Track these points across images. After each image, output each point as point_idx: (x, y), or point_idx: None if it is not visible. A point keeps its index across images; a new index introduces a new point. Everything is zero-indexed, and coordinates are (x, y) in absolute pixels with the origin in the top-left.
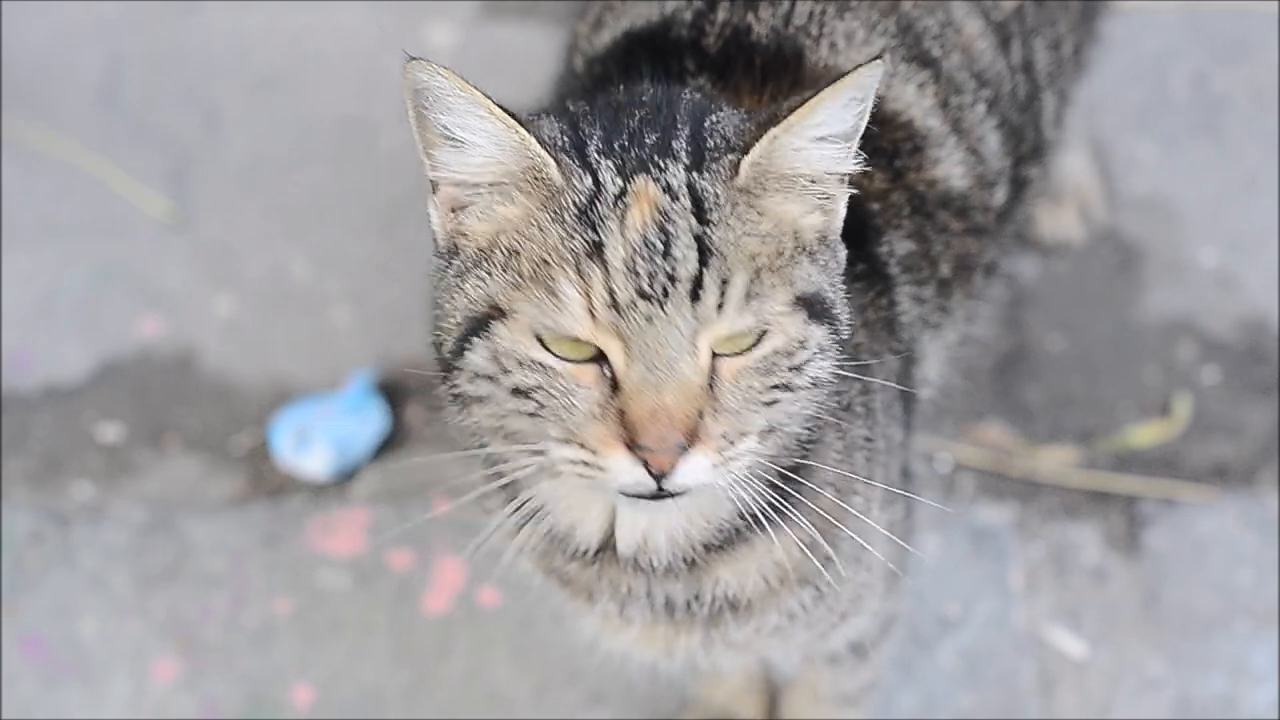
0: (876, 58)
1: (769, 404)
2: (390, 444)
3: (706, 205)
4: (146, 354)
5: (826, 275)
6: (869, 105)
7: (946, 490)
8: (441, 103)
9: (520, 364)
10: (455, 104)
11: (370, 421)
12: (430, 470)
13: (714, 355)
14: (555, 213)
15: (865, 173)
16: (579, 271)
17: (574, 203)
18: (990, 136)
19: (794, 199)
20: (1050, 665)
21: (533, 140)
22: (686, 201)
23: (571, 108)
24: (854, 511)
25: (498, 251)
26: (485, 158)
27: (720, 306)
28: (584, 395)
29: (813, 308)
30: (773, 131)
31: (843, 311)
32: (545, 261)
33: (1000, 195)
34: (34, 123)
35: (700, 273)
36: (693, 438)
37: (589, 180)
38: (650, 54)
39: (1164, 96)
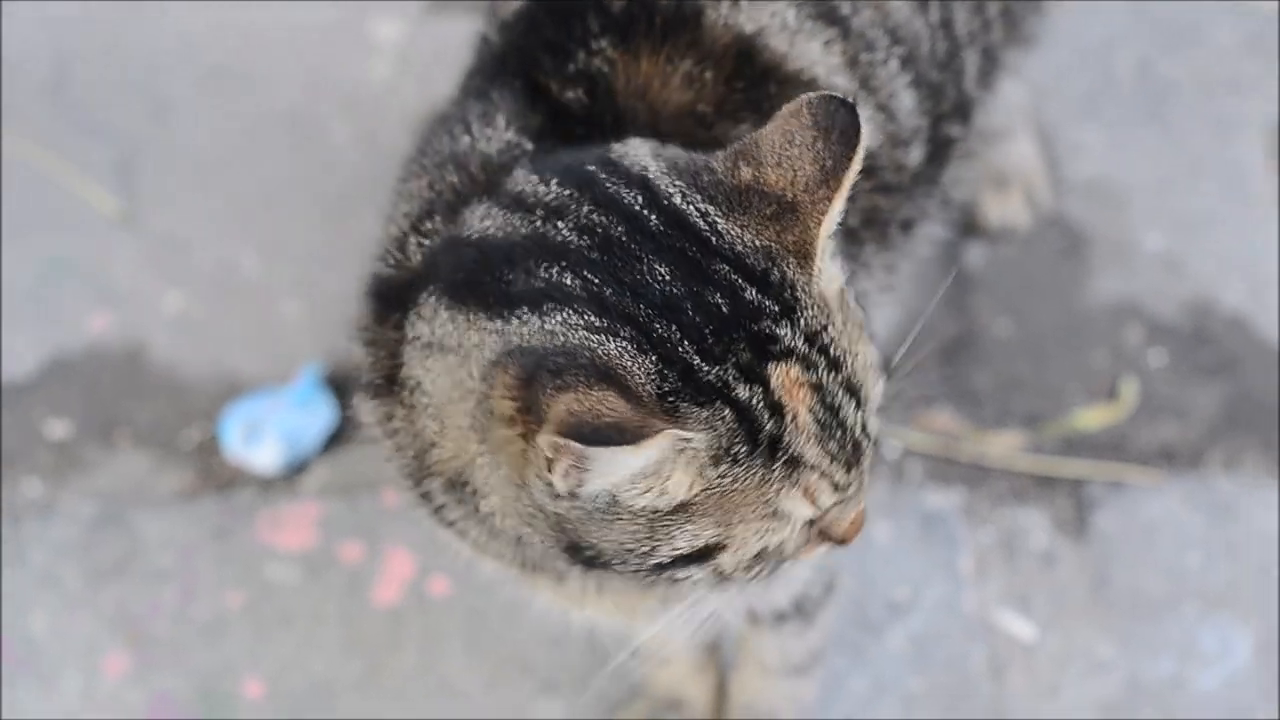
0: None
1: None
2: (339, 437)
3: (825, 338)
4: (96, 350)
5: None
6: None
7: (895, 476)
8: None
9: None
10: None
11: (319, 415)
12: (379, 463)
13: None
14: (726, 457)
15: None
16: (792, 489)
17: (732, 440)
18: (904, 94)
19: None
20: (1000, 649)
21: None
22: (815, 353)
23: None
24: None
25: (694, 505)
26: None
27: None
28: (792, 541)
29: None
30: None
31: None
32: (752, 498)
33: (915, 154)
34: None
35: (865, 418)
36: None
37: (726, 412)
38: (554, 17)
39: (1110, 82)
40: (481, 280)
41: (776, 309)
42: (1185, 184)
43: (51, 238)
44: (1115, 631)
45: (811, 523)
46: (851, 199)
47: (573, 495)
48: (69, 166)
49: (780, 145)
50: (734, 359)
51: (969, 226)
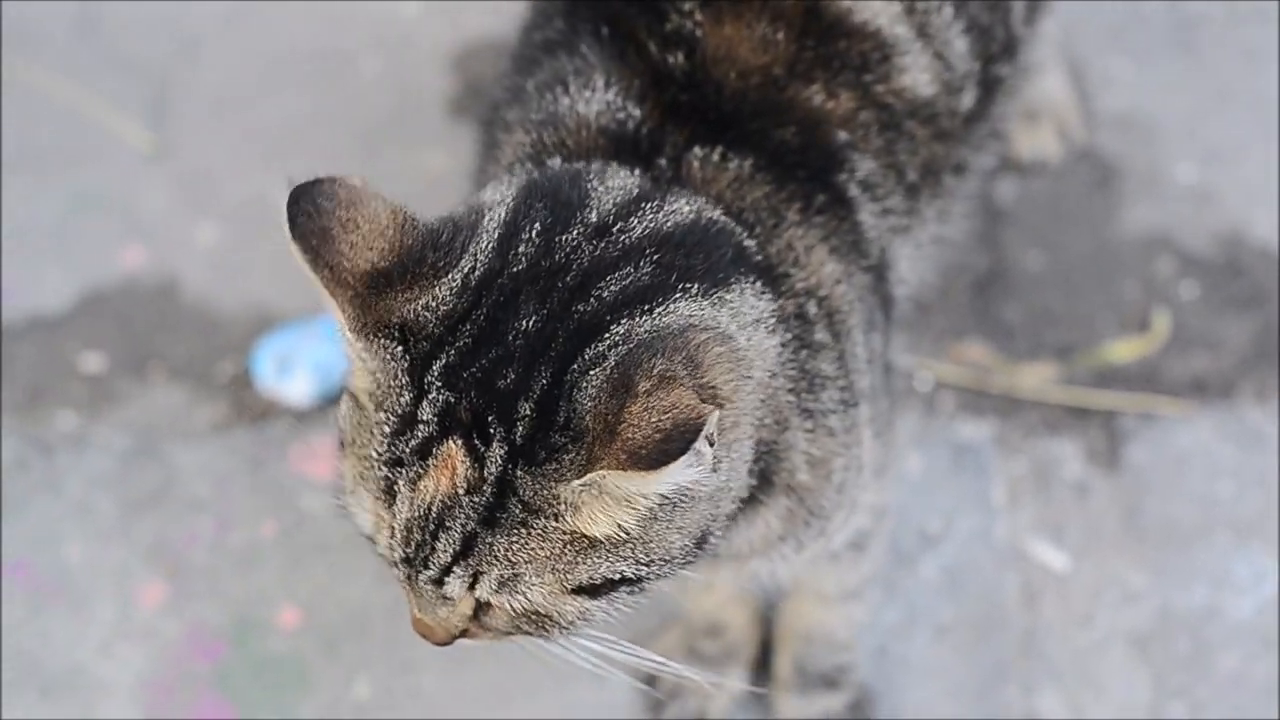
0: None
1: (537, 632)
2: None
3: (504, 512)
4: (128, 283)
5: (635, 553)
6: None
7: (927, 408)
8: None
9: None
10: None
11: None
12: None
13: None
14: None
15: (831, 95)
16: (374, 504)
17: (390, 416)
18: (957, 40)
19: (610, 511)
20: (1033, 578)
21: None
22: (486, 497)
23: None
24: (836, 469)
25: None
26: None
27: (471, 587)
28: None
29: (596, 589)
30: (616, 471)
31: (658, 569)
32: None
33: (968, 99)
34: (11, 53)
35: (451, 565)
36: (454, 639)
37: (407, 399)
38: None
39: (1139, 14)
40: None
41: (519, 440)
42: (1215, 115)
43: (83, 172)
44: (1148, 561)
45: None
46: (912, 152)
47: None
48: (100, 102)
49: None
50: (454, 399)
51: (1000, 160)
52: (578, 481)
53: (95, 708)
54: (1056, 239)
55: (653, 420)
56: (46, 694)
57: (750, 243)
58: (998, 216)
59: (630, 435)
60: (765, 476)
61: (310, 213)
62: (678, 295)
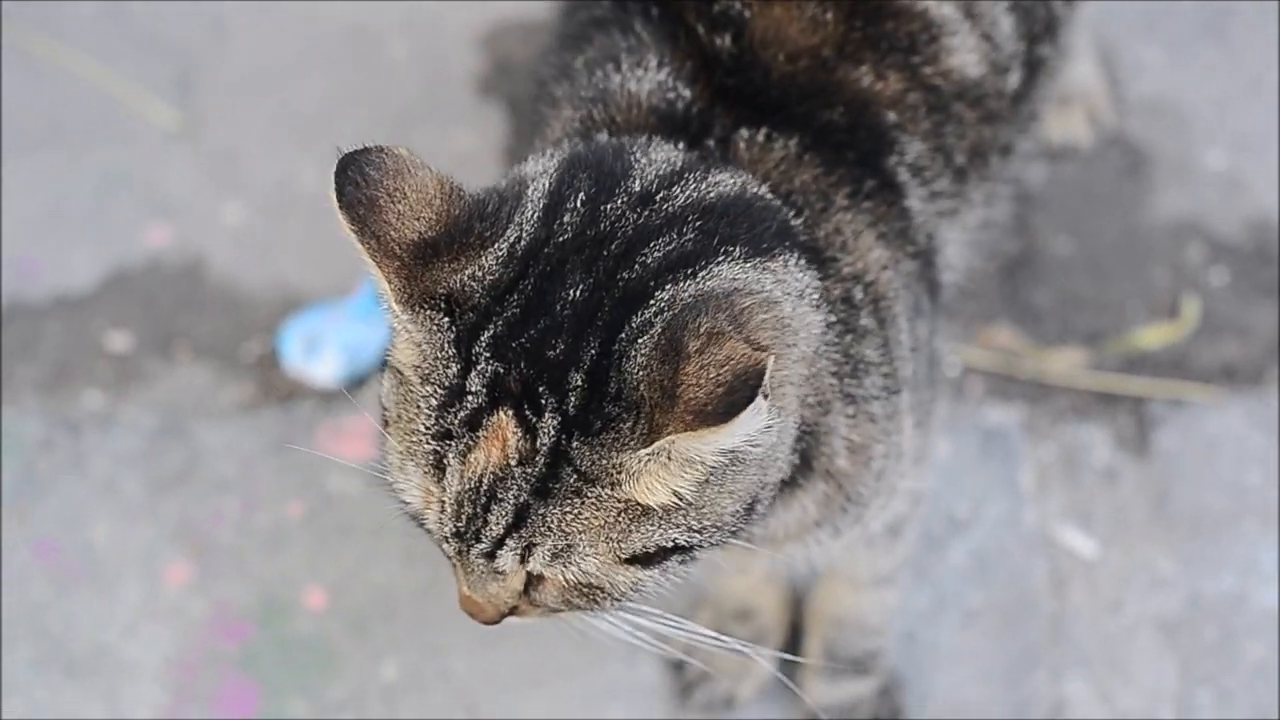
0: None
1: (588, 605)
2: None
3: (557, 483)
4: (155, 262)
5: (688, 520)
6: None
7: (956, 393)
8: None
9: None
10: None
11: (379, 327)
12: None
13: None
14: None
15: (880, 76)
16: (423, 479)
17: (437, 389)
18: (1003, 20)
19: (671, 477)
20: (1061, 564)
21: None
22: (539, 468)
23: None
24: (875, 456)
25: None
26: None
27: (524, 559)
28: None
29: (649, 558)
30: (685, 434)
31: (710, 536)
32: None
33: (1014, 79)
34: (37, 31)
35: (503, 538)
36: (502, 617)
37: (454, 370)
38: None
39: (1170, 1)
40: None
41: (572, 411)
42: (1246, 102)
43: (110, 151)
44: (1176, 548)
45: None
46: (960, 134)
47: None
48: (127, 81)
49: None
50: (503, 369)
51: (1037, 120)
52: (645, 450)
53: (121, 688)
54: (1086, 224)
55: (712, 376)
56: (72, 673)
57: (796, 222)
58: (1027, 201)
59: (692, 395)
60: (805, 459)
61: (358, 182)
62: (720, 259)
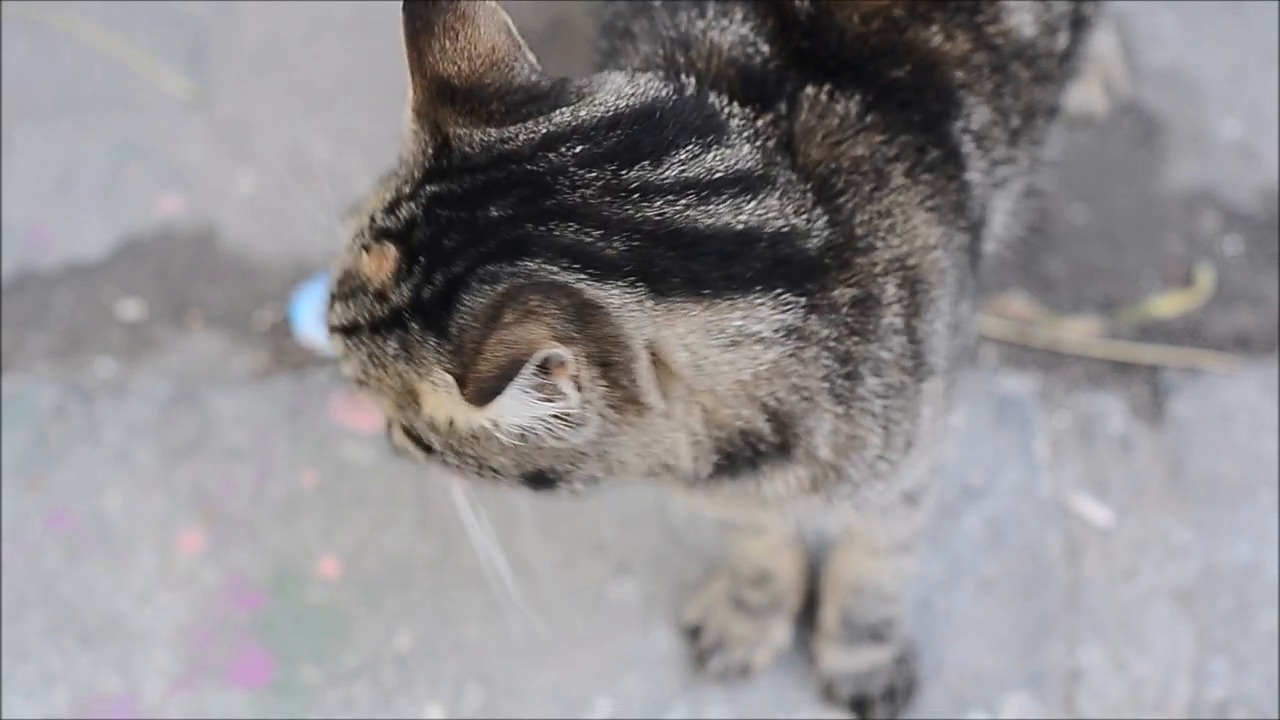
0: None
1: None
2: None
3: (385, 333)
4: (167, 231)
5: (451, 444)
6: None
7: (970, 361)
8: None
9: None
10: None
11: None
12: None
13: None
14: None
15: (949, 36)
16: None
17: (392, 193)
18: None
19: (454, 408)
20: (1076, 533)
21: None
22: (383, 311)
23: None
24: (870, 447)
25: None
26: None
27: (347, 354)
28: None
29: (424, 447)
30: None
31: (474, 470)
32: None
33: (1063, 39)
34: (50, 2)
35: (343, 332)
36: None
37: (406, 191)
38: None
39: None
40: None
41: (426, 295)
42: (1261, 71)
43: (122, 120)
44: (1192, 517)
45: None
46: (1016, 95)
47: None
48: (140, 50)
49: None
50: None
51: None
52: (437, 378)
53: (134, 656)
54: (1100, 193)
55: (498, 356)
56: (86, 642)
57: (817, 237)
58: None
59: (481, 368)
60: (784, 445)
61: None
62: (615, 283)
